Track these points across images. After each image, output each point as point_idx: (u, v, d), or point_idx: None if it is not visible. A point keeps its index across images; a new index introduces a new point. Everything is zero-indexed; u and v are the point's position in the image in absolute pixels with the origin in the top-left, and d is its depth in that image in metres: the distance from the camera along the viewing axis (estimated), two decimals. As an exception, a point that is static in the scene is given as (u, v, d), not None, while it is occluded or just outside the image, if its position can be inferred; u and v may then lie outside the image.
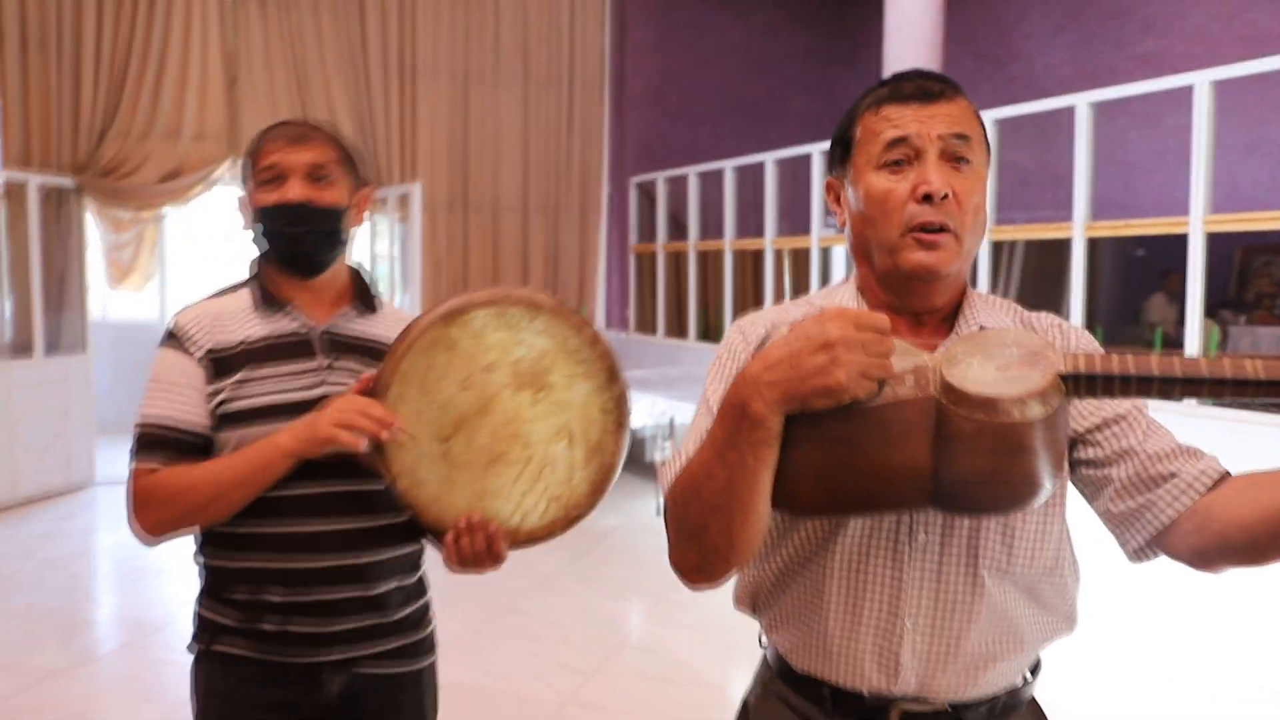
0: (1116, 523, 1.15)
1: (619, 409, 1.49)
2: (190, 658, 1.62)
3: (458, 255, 7.96)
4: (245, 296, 1.62)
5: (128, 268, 8.10)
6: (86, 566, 5.32)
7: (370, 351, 1.61)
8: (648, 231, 8.61)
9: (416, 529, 1.62)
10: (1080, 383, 0.93)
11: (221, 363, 1.55)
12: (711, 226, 7.74)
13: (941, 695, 1.17)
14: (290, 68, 7.35)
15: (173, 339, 1.57)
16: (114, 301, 8.81)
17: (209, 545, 1.59)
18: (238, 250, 10.15)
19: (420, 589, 1.70)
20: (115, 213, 7.46)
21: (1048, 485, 0.96)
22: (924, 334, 1.17)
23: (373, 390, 1.46)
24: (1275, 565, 1.03)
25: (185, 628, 1.65)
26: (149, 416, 1.53)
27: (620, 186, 8.71)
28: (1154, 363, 0.90)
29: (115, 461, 7.33)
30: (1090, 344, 1.23)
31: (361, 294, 1.68)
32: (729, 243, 7.41)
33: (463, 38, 7.98)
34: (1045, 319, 1.25)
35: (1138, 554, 1.14)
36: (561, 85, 8.27)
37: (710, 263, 7.80)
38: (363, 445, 1.43)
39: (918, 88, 1.14)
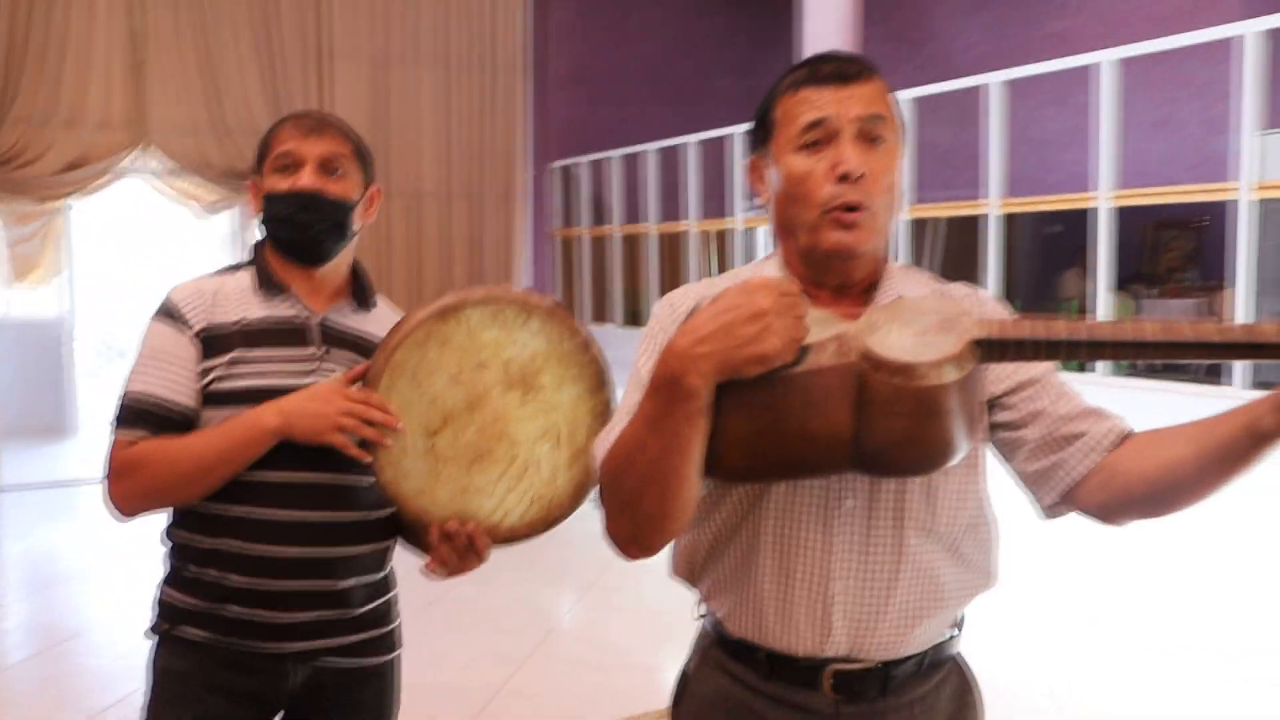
0: (1031, 481, 1.21)
1: (607, 413, 1.51)
2: (111, 661, 1.58)
3: (381, 242, 7.83)
4: (245, 277, 1.62)
5: (32, 262, 7.81)
6: (-6, 573, 5.13)
7: (364, 347, 1.61)
8: (571, 216, 8.57)
9: (386, 527, 1.63)
10: (993, 347, 0.97)
11: (216, 341, 1.54)
12: (635, 210, 7.73)
13: (872, 654, 1.21)
14: (201, 50, 7.13)
15: (167, 313, 1.56)
16: (16, 299, 8.48)
17: (180, 524, 1.58)
18: (150, 244, 9.85)
19: (385, 585, 1.70)
20: (17, 205, 7.17)
21: (963, 446, 1.00)
22: (845, 305, 1.21)
23: (364, 381, 1.48)
24: (1174, 518, 1.12)
25: (98, 636, 1.61)
26: (135, 389, 1.52)
27: (543, 171, 8.65)
28: (1062, 328, 0.94)
29: (20, 465, 7.11)
30: (1002, 313, 1.27)
31: (360, 290, 1.69)
32: (653, 226, 7.41)
33: (381, 19, 7.83)
34: (960, 289, 1.30)
35: (1051, 510, 1.20)
36: (483, 68, 8.18)
37: (634, 247, 7.80)
38: (357, 451, 1.47)
39: (835, 70, 1.18)
